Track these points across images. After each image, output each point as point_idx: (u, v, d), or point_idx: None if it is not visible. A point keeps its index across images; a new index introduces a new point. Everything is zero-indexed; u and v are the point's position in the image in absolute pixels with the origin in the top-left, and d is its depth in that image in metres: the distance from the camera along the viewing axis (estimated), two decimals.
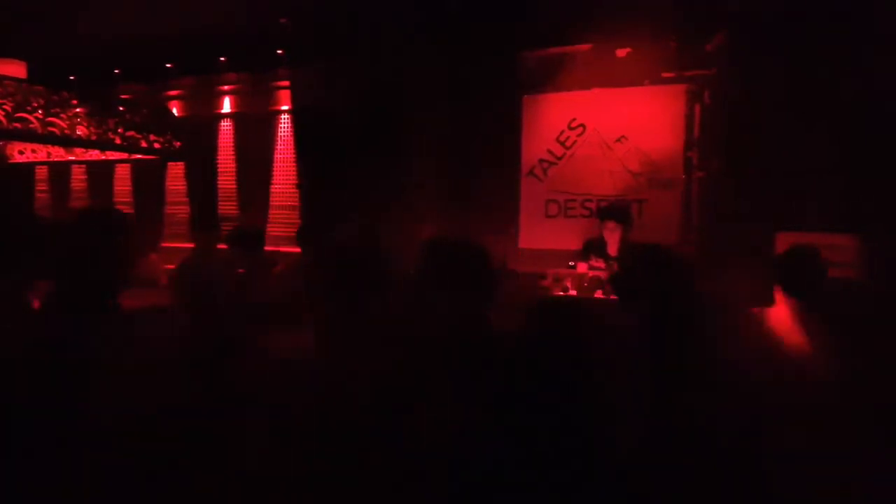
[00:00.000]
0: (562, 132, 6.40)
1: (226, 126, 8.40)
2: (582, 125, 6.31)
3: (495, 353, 1.75)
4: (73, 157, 6.56)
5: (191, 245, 7.58)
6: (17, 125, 4.45)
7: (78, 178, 9.50)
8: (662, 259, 2.17)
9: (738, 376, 1.97)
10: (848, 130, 4.78)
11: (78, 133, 4.87)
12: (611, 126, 6.18)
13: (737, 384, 1.93)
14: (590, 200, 6.27)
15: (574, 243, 5.57)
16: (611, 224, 5.30)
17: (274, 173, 8.06)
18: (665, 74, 5.92)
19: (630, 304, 2.14)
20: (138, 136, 5.31)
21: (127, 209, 8.86)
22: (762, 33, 5.14)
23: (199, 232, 4.39)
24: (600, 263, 5.05)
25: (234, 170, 8.32)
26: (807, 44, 4.90)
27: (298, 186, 7.63)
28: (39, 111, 4.59)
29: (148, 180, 8.79)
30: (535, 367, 1.63)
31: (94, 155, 6.17)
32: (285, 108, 7.85)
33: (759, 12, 5.10)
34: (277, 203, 8.04)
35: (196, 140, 7.34)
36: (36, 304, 2.11)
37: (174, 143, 5.63)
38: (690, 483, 1.68)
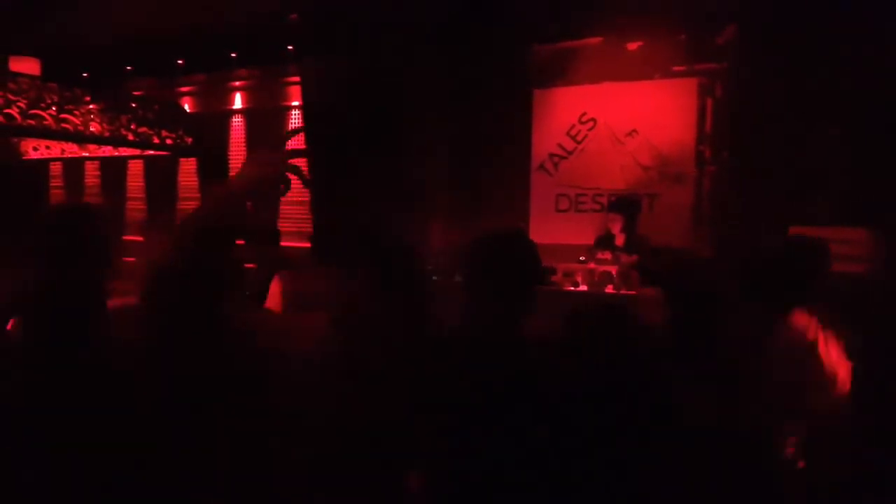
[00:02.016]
0: (572, 126, 6.38)
1: (237, 122, 8.44)
2: (592, 119, 6.30)
3: (532, 360, 1.70)
4: (86, 154, 6.60)
5: None
6: (31, 122, 4.49)
7: (91, 174, 9.58)
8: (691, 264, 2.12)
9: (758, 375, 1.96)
10: (859, 123, 4.74)
11: (91, 129, 4.90)
12: (621, 120, 6.16)
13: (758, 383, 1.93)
14: (600, 195, 6.25)
15: (585, 238, 5.56)
16: (611, 214, 5.34)
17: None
18: (676, 68, 5.89)
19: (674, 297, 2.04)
20: (150, 132, 5.34)
21: (138, 205, 8.95)
22: (774, 27, 5.10)
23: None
24: (606, 255, 5.04)
25: None
26: (817, 37, 4.86)
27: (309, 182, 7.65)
28: (53, 108, 4.63)
29: (160, 176, 8.85)
30: (581, 377, 1.61)
31: (107, 151, 6.20)
32: (296, 103, 7.88)
33: (771, 6, 5.07)
34: (288, 199, 8.05)
35: (208, 136, 7.38)
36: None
37: (186, 139, 5.65)
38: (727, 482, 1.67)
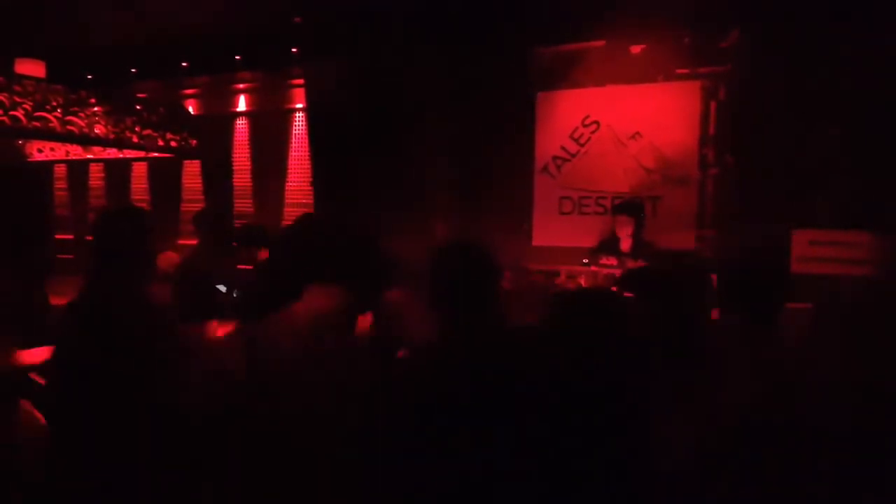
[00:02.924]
0: (576, 129, 6.39)
1: (241, 124, 8.47)
2: (596, 122, 6.30)
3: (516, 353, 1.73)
4: (90, 156, 6.64)
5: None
6: (37, 124, 4.52)
7: (95, 176, 9.61)
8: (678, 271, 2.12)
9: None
10: (863, 127, 4.75)
11: (96, 132, 4.93)
12: (625, 123, 6.16)
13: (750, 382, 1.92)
14: (604, 197, 6.26)
15: (588, 240, 5.56)
16: (622, 218, 5.28)
17: (289, 171, 8.12)
18: (679, 71, 5.89)
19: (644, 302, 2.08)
20: (155, 134, 5.37)
21: (144, 206, 8.96)
22: (777, 30, 5.11)
23: (203, 229, 4.39)
24: (612, 261, 5.03)
25: (249, 168, 8.39)
26: (821, 40, 4.87)
27: (313, 184, 7.68)
28: (58, 110, 4.66)
29: (164, 178, 8.88)
30: (560, 364, 1.62)
31: (112, 153, 6.24)
32: (300, 106, 7.90)
33: (774, 9, 5.08)
34: (292, 201, 8.10)
35: (212, 138, 7.40)
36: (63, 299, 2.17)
37: (190, 142, 5.69)
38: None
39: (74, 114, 4.79)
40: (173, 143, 5.54)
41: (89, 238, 2.13)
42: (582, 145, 6.38)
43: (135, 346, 1.91)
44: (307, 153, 7.81)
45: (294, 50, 7.42)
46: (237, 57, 7.90)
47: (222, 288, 4.10)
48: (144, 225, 2.14)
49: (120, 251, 2.05)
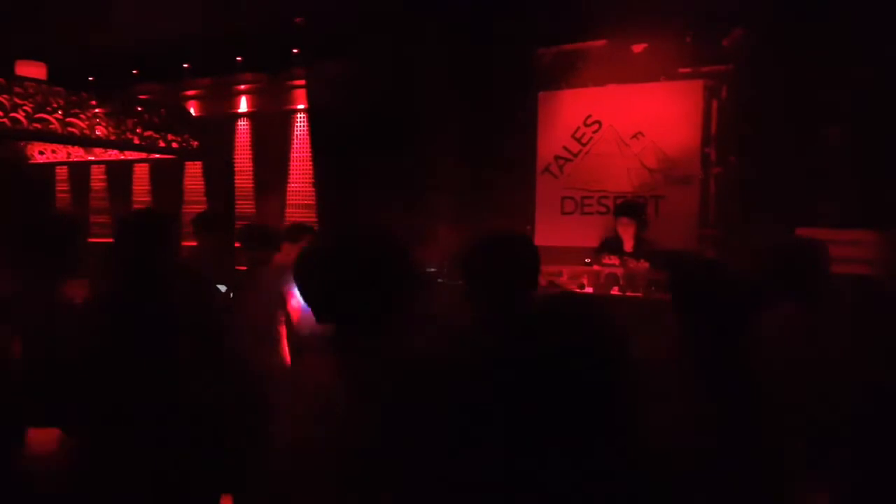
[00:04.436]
0: (577, 129, 6.37)
1: (243, 125, 8.46)
2: (598, 122, 6.29)
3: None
4: (92, 157, 6.63)
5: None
6: (38, 126, 4.50)
7: (97, 177, 9.62)
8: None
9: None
10: (866, 125, 4.73)
11: (97, 133, 4.91)
12: (627, 122, 6.14)
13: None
14: (606, 197, 6.24)
15: (590, 240, 5.55)
16: (624, 220, 5.30)
17: (291, 172, 8.12)
18: (681, 70, 5.88)
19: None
20: (156, 135, 5.35)
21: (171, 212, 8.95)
22: (779, 28, 5.09)
23: (203, 231, 4.37)
24: (615, 260, 5.03)
25: (251, 169, 8.39)
26: (824, 39, 4.85)
27: (315, 185, 7.67)
28: (59, 112, 4.64)
29: (166, 180, 8.88)
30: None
31: (113, 155, 6.23)
32: (301, 107, 7.90)
33: (776, 7, 5.06)
34: (294, 202, 8.09)
35: (213, 139, 7.40)
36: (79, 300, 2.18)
37: (192, 143, 5.67)
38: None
39: (75, 115, 4.78)
40: (175, 145, 5.52)
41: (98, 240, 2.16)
42: (584, 145, 6.37)
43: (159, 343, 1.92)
44: (309, 154, 7.80)
45: (295, 51, 7.42)
46: (238, 58, 7.90)
47: (222, 287, 4.09)
48: (168, 228, 2.17)
49: (145, 254, 2.06)
